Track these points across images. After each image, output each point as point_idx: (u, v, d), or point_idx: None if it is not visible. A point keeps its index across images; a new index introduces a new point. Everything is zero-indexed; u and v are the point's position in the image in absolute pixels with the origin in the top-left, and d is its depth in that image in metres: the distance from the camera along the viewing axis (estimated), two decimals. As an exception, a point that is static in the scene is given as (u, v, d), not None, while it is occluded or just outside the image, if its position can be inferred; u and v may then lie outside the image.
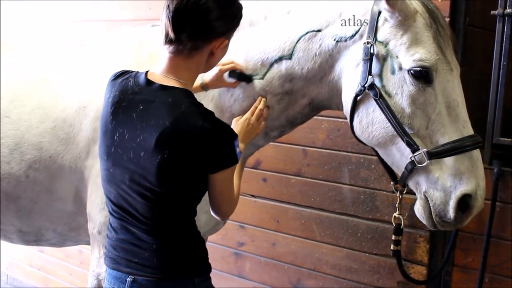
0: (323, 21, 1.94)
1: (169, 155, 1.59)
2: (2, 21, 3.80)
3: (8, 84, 2.37)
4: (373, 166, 2.70)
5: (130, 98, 1.68)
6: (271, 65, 2.02)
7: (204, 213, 2.19)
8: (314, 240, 2.90)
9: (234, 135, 1.65)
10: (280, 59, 2.00)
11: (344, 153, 2.77)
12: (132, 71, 1.80)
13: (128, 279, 1.71)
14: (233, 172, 1.74)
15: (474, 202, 1.76)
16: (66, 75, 2.34)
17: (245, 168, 2.33)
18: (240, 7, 1.76)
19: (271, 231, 3.07)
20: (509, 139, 2.38)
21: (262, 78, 2.03)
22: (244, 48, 2.05)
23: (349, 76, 1.89)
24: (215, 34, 1.67)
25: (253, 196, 3.11)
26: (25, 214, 2.33)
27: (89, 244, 2.36)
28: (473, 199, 1.75)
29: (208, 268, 1.83)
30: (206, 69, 1.80)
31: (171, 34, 1.62)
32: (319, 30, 1.94)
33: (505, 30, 2.31)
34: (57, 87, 2.30)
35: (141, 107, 1.64)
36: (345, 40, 1.89)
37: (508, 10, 2.29)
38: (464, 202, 1.76)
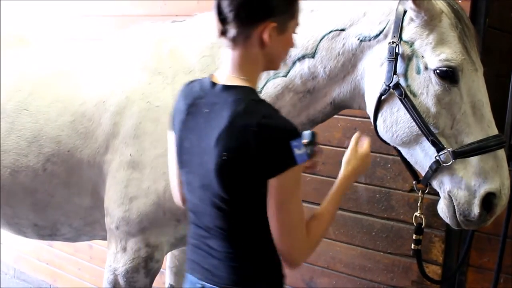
0: (347, 20, 1.94)
1: (227, 156, 1.50)
2: (2, 21, 3.80)
3: (27, 77, 2.37)
4: (389, 165, 2.70)
5: (197, 103, 1.63)
6: (294, 63, 2.02)
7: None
8: (328, 238, 2.90)
9: (293, 134, 1.48)
10: (303, 57, 2.00)
11: (360, 152, 2.76)
12: (200, 78, 1.74)
13: (198, 285, 1.65)
14: (295, 183, 1.52)
15: (499, 201, 1.78)
16: (86, 69, 2.34)
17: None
18: None
19: (285, 229, 3.07)
20: (527, 141, 2.39)
21: (285, 76, 2.03)
22: None
23: (373, 75, 1.90)
24: (256, 15, 1.53)
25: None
26: (42, 208, 2.33)
27: (103, 239, 2.36)
28: (498, 197, 1.77)
29: (280, 281, 1.66)
30: (269, 65, 1.65)
31: (218, 24, 1.56)
32: (342, 29, 1.94)
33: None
34: (76, 81, 2.30)
35: (206, 110, 1.59)
36: (369, 40, 1.89)
37: (528, 12, 2.29)
38: (488, 201, 1.78)
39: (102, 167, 2.19)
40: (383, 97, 1.85)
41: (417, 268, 2.20)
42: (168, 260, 2.69)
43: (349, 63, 1.95)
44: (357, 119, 2.75)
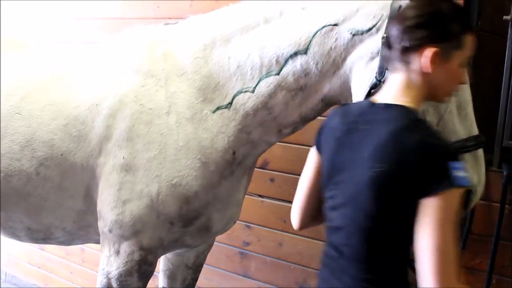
0: (340, 15, 1.95)
1: (383, 168, 1.46)
2: (2, 21, 3.79)
3: (20, 81, 2.36)
4: (382, 167, 2.70)
5: (356, 120, 1.62)
6: (286, 60, 2.02)
7: (216, 211, 2.20)
8: (322, 240, 2.86)
9: (453, 156, 1.44)
10: (295, 54, 2.01)
11: (353, 154, 2.77)
12: (356, 102, 1.75)
13: None
14: (453, 208, 1.43)
15: (473, 197, 1.85)
16: (79, 73, 2.33)
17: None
18: (447, 16, 1.56)
19: (278, 231, 3.08)
20: (519, 143, 2.41)
21: (278, 74, 2.04)
22: (259, 45, 2.06)
23: (362, 69, 1.91)
24: (418, 39, 1.52)
25: (260, 196, 3.12)
26: (35, 211, 2.32)
27: (97, 243, 2.35)
28: (473, 193, 1.84)
29: None
30: (432, 95, 1.61)
31: (385, 50, 1.61)
32: (335, 24, 1.95)
33: (517, 35, 2.34)
34: (69, 84, 2.29)
35: (365, 127, 1.57)
36: (362, 34, 1.91)
37: (520, 16, 2.32)
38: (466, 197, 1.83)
39: (95, 170, 2.18)
40: (373, 91, 1.86)
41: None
42: (161, 263, 2.69)
43: (339, 58, 1.96)
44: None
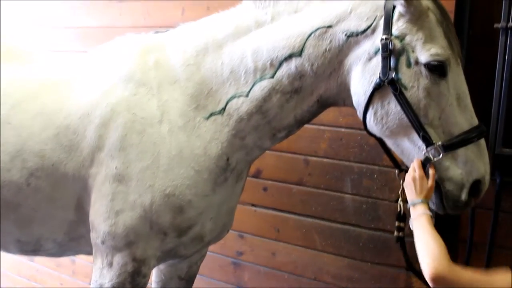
0: (334, 17, 1.97)
1: None
2: (2, 21, 3.76)
3: (10, 90, 2.33)
4: (375, 175, 2.71)
5: None
6: (281, 63, 2.03)
7: (209, 220, 2.19)
8: (315, 249, 2.90)
9: None
10: (290, 56, 2.01)
11: (346, 162, 2.78)
12: None
13: None
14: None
15: (483, 187, 1.89)
16: (69, 82, 2.30)
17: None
18: None
19: (271, 240, 3.06)
20: (511, 150, 2.42)
21: (272, 77, 2.04)
22: (252, 49, 2.06)
23: (360, 70, 1.93)
24: None
25: (253, 205, 3.10)
26: (25, 223, 2.28)
27: (88, 254, 2.33)
28: (482, 183, 1.88)
29: None
30: None
31: None
32: (330, 26, 1.97)
33: (508, 43, 2.35)
34: (60, 93, 2.26)
35: None
36: (357, 35, 1.93)
37: (511, 24, 2.34)
38: (474, 187, 1.88)
39: (87, 181, 2.16)
40: (376, 91, 1.90)
41: (405, 277, 2.21)
42: (154, 275, 2.66)
43: (335, 59, 1.97)
44: (343, 130, 2.76)
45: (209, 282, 3.22)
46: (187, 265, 2.57)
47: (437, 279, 1.64)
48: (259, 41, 2.06)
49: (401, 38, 1.87)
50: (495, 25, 2.38)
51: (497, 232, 2.43)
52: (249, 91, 2.07)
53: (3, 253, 2.63)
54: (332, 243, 2.87)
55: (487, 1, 2.56)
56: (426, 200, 1.85)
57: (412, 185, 1.86)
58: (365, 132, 2.03)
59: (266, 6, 2.09)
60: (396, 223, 2.04)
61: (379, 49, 1.88)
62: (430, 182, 1.86)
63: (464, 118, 1.87)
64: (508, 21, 2.35)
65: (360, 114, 1.99)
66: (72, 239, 2.34)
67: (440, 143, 1.85)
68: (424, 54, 1.84)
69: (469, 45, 2.52)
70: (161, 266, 2.59)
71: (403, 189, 1.98)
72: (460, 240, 2.49)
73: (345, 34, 1.94)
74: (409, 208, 1.87)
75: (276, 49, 2.03)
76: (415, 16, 1.86)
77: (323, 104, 2.09)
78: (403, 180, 1.97)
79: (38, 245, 2.37)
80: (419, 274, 2.36)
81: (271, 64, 2.04)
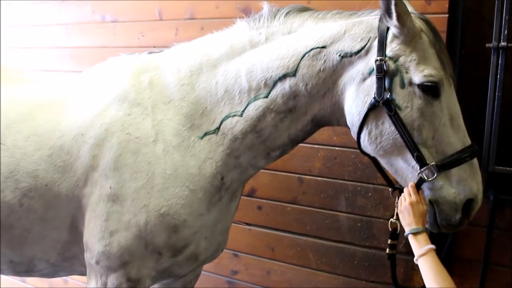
0: (328, 38, 2.00)
1: None
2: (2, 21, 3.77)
3: (3, 110, 2.33)
4: (370, 194, 2.71)
5: None
6: (275, 83, 2.05)
7: (204, 239, 2.18)
8: (310, 268, 2.89)
9: None
10: (284, 76, 2.03)
11: (341, 181, 2.78)
12: None
13: None
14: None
15: (475, 205, 1.90)
16: (63, 102, 2.30)
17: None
18: None
19: (266, 259, 3.05)
20: (504, 168, 2.44)
21: (266, 97, 2.05)
22: (246, 69, 2.08)
23: (355, 90, 1.95)
24: None
25: (247, 224, 3.09)
26: (18, 243, 2.27)
27: (82, 275, 2.31)
28: (475, 202, 1.89)
29: None
30: None
31: None
32: (323, 47, 1.99)
33: (499, 62, 2.38)
34: (53, 114, 2.26)
35: None
36: (350, 56, 1.96)
37: (502, 43, 2.37)
38: (467, 206, 1.89)
39: (81, 201, 2.15)
40: (370, 112, 1.91)
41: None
42: (148, 295, 2.64)
43: (329, 79, 1.99)
44: (337, 148, 2.77)
45: (203, 302, 3.19)
46: (181, 285, 2.55)
47: None
48: (253, 61, 2.07)
49: (395, 59, 1.89)
50: (487, 45, 2.41)
51: (492, 250, 2.44)
52: (244, 111, 2.08)
53: (-6, 274, 2.59)
54: (327, 261, 2.87)
55: (478, 21, 2.60)
56: (425, 229, 1.87)
57: (410, 210, 1.87)
58: (359, 151, 2.04)
59: (260, 26, 2.11)
60: (389, 241, 2.05)
61: (373, 70, 1.90)
62: (425, 206, 1.88)
63: (457, 137, 1.89)
64: (499, 40, 2.38)
65: (354, 133, 2.00)
66: (66, 259, 2.32)
67: (434, 163, 1.86)
68: (417, 75, 1.86)
69: (461, 64, 2.55)
70: (156, 286, 2.57)
71: (397, 214, 1.98)
72: (455, 257, 2.48)
73: (339, 55, 1.97)
74: (407, 236, 1.87)
75: (270, 69, 2.04)
76: (409, 37, 1.88)
77: (317, 124, 2.10)
78: (398, 201, 1.97)
79: (31, 266, 2.35)
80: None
81: (266, 84, 2.05)
